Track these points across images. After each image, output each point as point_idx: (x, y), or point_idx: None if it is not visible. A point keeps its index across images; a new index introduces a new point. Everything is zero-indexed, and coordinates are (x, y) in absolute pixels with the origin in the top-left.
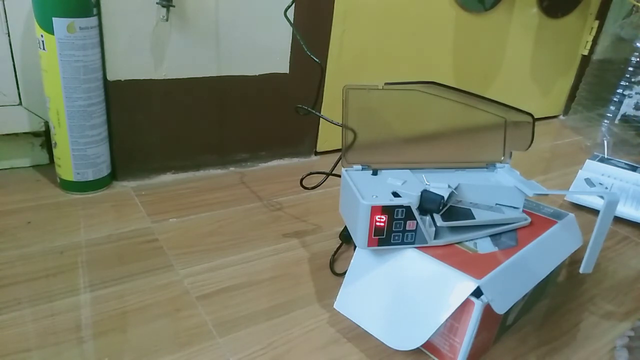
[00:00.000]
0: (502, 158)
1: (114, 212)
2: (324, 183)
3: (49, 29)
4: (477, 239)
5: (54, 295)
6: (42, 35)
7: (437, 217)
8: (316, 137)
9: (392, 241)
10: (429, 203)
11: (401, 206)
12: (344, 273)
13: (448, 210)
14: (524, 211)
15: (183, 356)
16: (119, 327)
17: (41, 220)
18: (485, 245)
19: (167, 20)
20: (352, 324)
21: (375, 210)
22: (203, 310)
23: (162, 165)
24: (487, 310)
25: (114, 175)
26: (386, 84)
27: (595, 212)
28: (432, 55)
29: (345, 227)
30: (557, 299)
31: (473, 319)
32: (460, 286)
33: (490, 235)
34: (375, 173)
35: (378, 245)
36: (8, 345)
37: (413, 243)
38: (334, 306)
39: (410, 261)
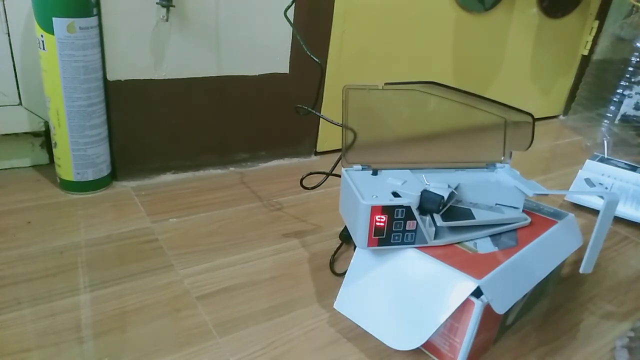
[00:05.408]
0: (502, 158)
1: (114, 212)
2: (324, 183)
3: (49, 29)
4: (477, 239)
5: (54, 295)
6: (42, 35)
7: (437, 217)
8: (316, 137)
9: (392, 241)
10: (429, 203)
11: (401, 206)
12: (344, 273)
13: (448, 210)
14: (524, 211)
15: (183, 356)
16: (119, 327)
17: (41, 220)
18: (485, 245)
19: (167, 20)
20: (352, 324)
21: (375, 210)
22: (203, 310)
23: (162, 165)
24: (487, 310)
25: (114, 175)
26: (386, 84)
27: (595, 212)
28: (432, 55)
29: (345, 227)
30: (557, 299)
31: (473, 319)
32: (460, 286)
33: (490, 235)
34: (375, 173)
35: (378, 245)
36: (8, 345)
37: (413, 243)
38: (334, 306)
39: (410, 261)
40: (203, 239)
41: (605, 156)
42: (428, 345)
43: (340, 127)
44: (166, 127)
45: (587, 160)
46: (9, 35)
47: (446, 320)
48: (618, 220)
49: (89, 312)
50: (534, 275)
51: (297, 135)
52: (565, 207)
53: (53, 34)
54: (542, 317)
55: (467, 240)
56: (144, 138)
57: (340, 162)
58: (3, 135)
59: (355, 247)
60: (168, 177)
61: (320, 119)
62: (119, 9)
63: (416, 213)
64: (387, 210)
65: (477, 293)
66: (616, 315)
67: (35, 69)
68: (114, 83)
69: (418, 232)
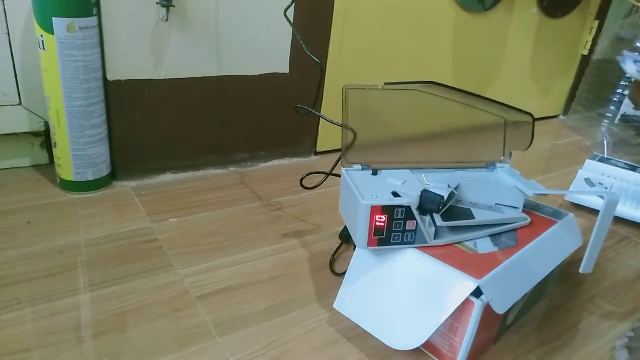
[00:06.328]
0: (502, 158)
1: (114, 212)
2: (324, 183)
3: (49, 29)
4: (477, 239)
5: (54, 295)
6: (42, 35)
7: (437, 217)
8: (316, 137)
9: (392, 241)
10: (429, 203)
11: (401, 206)
12: (344, 273)
13: (448, 210)
14: (524, 211)
15: (183, 356)
16: (119, 327)
17: (41, 220)
18: (485, 245)
19: (167, 20)
20: (352, 324)
21: (375, 210)
22: (203, 310)
23: (162, 165)
24: (487, 310)
25: (114, 175)
26: (386, 84)
27: (595, 212)
28: (432, 55)
29: (345, 227)
30: (557, 299)
31: (473, 319)
32: (460, 286)
33: (490, 235)
34: (375, 173)
35: (378, 245)
36: (8, 345)
37: (413, 243)
38: (334, 306)
39: (410, 261)
40: (203, 239)
41: (605, 156)
42: (428, 345)
43: (340, 127)
44: (166, 127)
45: (587, 160)
46: (9, 35)
47: (446, 320)
48: (618, 220)
49: (89, 312)
50: (534, 275)
51: (297, 135)
52: (565, 207)
53: (53, 34)
54: (542, 317)
55: (467, 240)
56: (144, 138)
57: (340, 162)
58: (3, 135)
59: (355, 247)
60: (168, 177)
61: (320, 119)
62: (119, 9)
63: (416, 213)
64: (387, 210)
65: (477, 293)
66: (616, 315)
67: (35, 69)
68: (114, 83)
69: (418, 232)
